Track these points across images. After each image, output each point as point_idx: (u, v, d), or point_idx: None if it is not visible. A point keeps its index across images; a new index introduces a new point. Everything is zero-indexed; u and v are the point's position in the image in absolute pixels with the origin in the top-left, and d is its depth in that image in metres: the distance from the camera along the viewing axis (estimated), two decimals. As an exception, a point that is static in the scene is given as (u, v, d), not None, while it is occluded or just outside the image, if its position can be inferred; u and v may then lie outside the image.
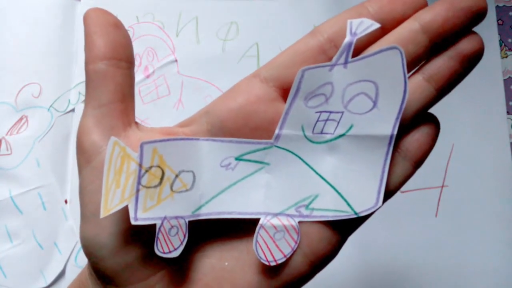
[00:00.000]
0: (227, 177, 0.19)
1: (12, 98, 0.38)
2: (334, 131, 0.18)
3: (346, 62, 0.18)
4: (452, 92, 0.41)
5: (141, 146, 0.17)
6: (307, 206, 0.19)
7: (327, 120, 0.18)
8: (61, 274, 0.36)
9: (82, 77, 0.39)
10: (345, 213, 0.18)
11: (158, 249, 0.17)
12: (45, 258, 0.36)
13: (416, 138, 0.18)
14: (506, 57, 0.40)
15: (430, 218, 0.38)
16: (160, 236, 0.17)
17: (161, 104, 0.39)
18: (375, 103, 0.18)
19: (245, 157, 0.19)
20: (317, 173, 0.19)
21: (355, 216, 0.18)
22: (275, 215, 0.19)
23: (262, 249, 0.18)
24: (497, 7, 0.40)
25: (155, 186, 0.17)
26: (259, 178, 0.19)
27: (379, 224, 0.37)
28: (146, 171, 0.17)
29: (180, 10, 0.40)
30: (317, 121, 0.18)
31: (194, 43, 0.40)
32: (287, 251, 0.18)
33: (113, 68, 0.18)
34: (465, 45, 0.17)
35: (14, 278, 0.36)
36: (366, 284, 0.36)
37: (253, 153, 0.19)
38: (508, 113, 0.39)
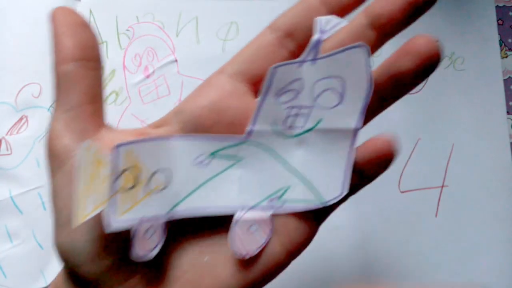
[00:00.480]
0: (202, 173, 0.19)
1: (12, 98, 0.38)
2: (304, 125, 0.19)
3: (314, 59, 0.18)
4: (452, 92, 0.41)
5: (116, 148, 0.17)
6: (279, 198, 0.19)
7: (297, 115, 0.19)
8: (61, 274, 0.36)
9: (82, 77, 0.39)
10: (314, 203, 0.19)
11: (133, 254, 0.17)
12: (45, 258, 0.36)
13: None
14: (506, 57, 0.40)
15: (430, 218, 0.38)
16: (135, 239, 0.17)
17: (161, 104, 0.39)
18: (341, 98, 0.19)
19: (218, 153, 0.19)
20: (287, 166, 0.20)
21: (323, 205, 0.19)
22: (249, 208, 0.19)
23: (237, 243, 0.18)
24: (497, 7, 0.40)
25: (131, 188, 0.17)
26: (233, 173, 0.19)
27: (379, 224, 0.37)
28: (121, 173, 0.17)
29: (180, 10, 0.40)
30: (288, 116, 0.19)
31: (194, 43, 0.40)
32: (261, 242, 0.19)
33: (82, 69, 0.18)
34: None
35: (14, 278, 0.36)
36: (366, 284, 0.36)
37: (226, 149, 0.19)
38: (508, 113, 0.39)
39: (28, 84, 0.38)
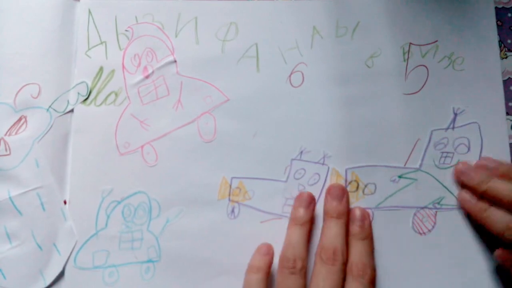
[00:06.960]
0: (394, 186, 0.37)
1: (11, 99, 0.38)
2: (450, 163, 0.37)
3: (453, 127, 0.37)
4: (452, 93, 0.41)
5: (345, 170, 0.37)
6: (438, 203, 0.37)
7: (446, 157, 0.37)
8: (61, 275, 0.36)
9: (82, 78, 0.39)
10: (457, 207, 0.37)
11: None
12: (44, 259, 0.36)
13: None
14: (506, 57, 0.40)
15: (430, 218, 0.38)
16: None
17: (160, 104, 0.39)
18: (469, 148, 0.37)
19: (404, 175, 0.37)
20: (442, 184, 0.37)
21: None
22: (422, 207, 0.37)
23: (416, 225, 0.36)
24: (496, 8, 0.40)
25: (355, 191, 0.37)
26: (411, 188, 0.37)
27: (378, 224, 0.37)
28: (349, 183, 0.37)
29: (180, 11, 0.40)
30: (441, 157, 0.37)
31: (193, 43, 0.40)
32: (430, 228, 0.36)
33: None
34: None
35: (13, 279, 0.36)
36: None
37: (408, 174, 0.37)
38: (507, 113, 0.39)
39: (27, 84, 0.38)
